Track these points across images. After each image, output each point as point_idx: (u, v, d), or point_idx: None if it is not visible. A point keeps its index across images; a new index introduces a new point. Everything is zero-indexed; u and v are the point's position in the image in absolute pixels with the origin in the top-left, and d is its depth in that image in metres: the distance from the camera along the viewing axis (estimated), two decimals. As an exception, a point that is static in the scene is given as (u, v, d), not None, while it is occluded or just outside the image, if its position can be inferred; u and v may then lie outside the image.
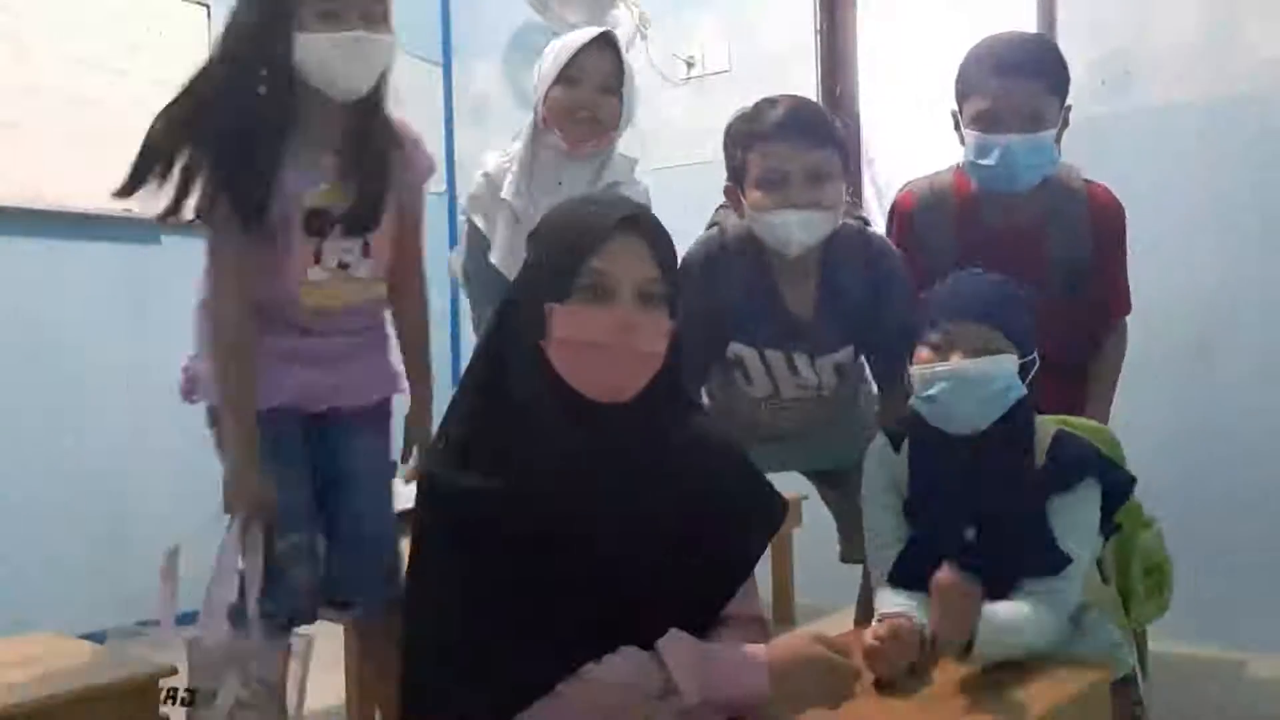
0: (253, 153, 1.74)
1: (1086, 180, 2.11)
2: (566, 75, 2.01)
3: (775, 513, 1.32)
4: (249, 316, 1.79)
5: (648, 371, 1.20)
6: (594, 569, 1.15)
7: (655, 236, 1.22)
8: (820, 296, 1.95)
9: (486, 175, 2.09)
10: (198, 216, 1.80)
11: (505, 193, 2.02)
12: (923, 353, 1.58)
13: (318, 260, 1.82)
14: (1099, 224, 2.07)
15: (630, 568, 1.17)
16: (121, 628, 1.85)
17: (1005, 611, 1.43)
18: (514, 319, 1.23)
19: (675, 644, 1.17)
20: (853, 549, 2.09)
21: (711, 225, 2.12)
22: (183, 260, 3.79)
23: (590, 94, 2.02)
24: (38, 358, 3.48)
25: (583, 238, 1.18)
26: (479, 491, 1.15)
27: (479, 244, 2.08)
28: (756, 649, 1.20)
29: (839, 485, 2.14)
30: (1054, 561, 1.49)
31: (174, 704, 1.72)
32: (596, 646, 1.14)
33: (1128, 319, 2.24)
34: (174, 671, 1.88)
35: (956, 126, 2.04)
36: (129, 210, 3.67)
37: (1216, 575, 2.85)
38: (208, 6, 3.87)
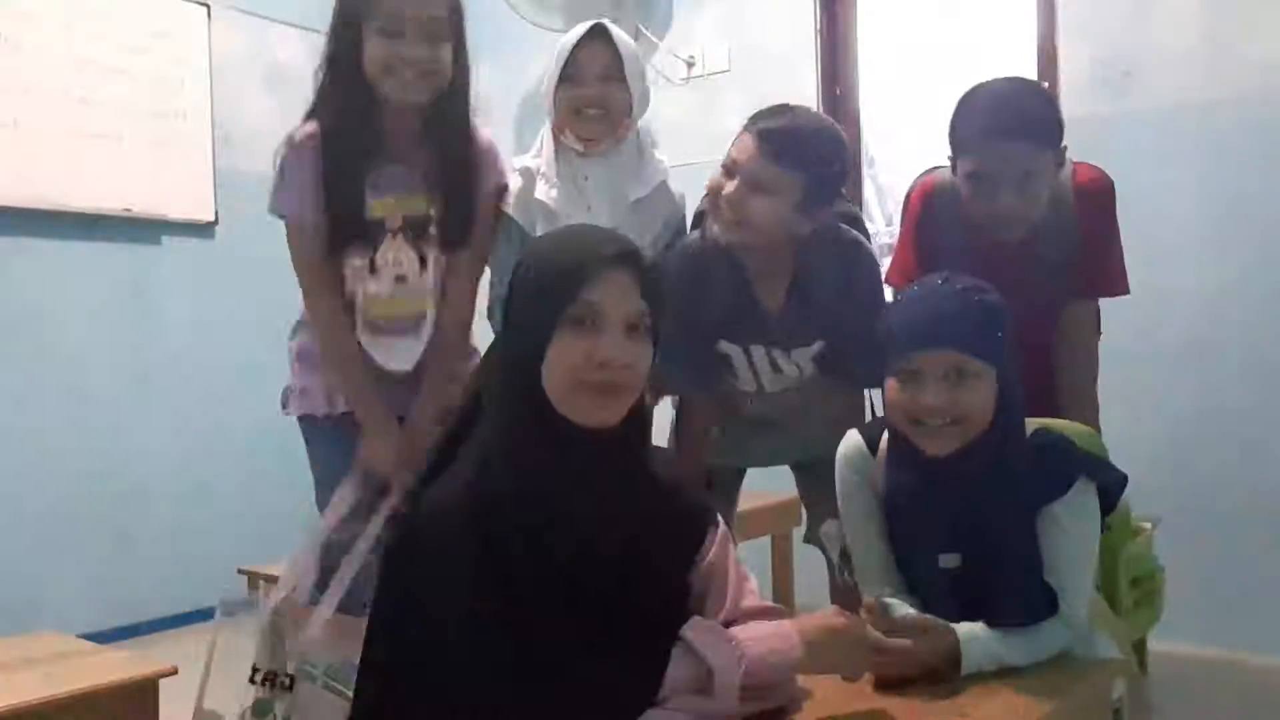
0: (344, 165, 1.83)
1: (1076, 164, 2.09)
2: (566, 75, 2.02)
3: (706, 524, 1.36)
4: (340, 310, 1.89)
5: (630, 401, 1.25)
6: (560, 587, 1.19)
7: (644, 271, 1.26)
8: (791, 292, 1.98)
9: (524, 169, 2.09)
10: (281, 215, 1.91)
11: (538, 193, 2.03)
12: (892, 384, 1.48)
13: (373, 271, 1.88)
14: (1081, 209, 2.05)
15: (591, 586, 1.21)
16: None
17: (985, 642, 1.39)
18: (509, 342, 1.27)
19: (707, 635, 1.22)
20: (815, 532, 2.09)
21: (697, 220, 2.14)
22: (183, 260, 3.84)
23: (593, 87, 2.02)
24: (39, 358, 3.49)
25: (576, 269, 1.21)
26: (459, 509, 1.18)
27: (515, 234, 2.07)
28: (783, 623, 1.27)
29: (812, 467, 2.14)
30: (1036, 603, 1.43)
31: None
32: (561, 663, 1.19)
33: (1121, 313, 2.19)
34: (174, 671, 1.89)
35: (954, 171, 2.04)
36: (129, 210, 3.70)
37: (1217, 575, 2.85)
38: (208, 6, 3.87)
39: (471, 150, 1.94)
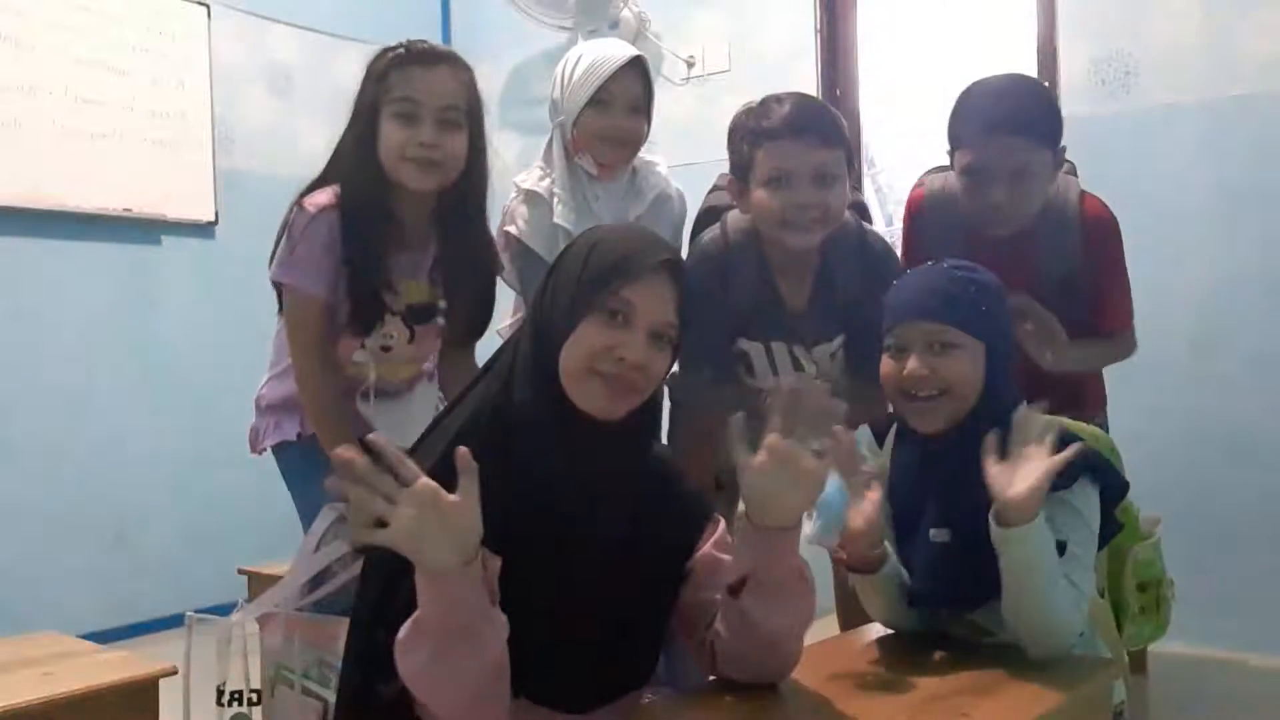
0: (368, 251, 1.82)
1: (1083, 191, 2.10)
2: (598, 99, 2.02)
3: (705, 516, 1.39)
4: (334, 382, 1.89)
5: (636, 402, 1.27)
6: (561, 562, 1.22)
7: (683, 286, 1.29)
8: (816, 289, 1.98)
9: (532, 194, 2.08)
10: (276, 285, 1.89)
11: (558, 217, 2.04)
12: (884, 360, 1.53)
13: (362, 344, 1.89)
14: (1090, 241, 2.06)
15: (584, 565, 1.23)
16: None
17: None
18: (539, 316, 1.29)
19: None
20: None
21: (707, 208, 2.15)
22: (183, 260, 3.84)
23: (622, 117, 2.04)
24: (39, 358, 3.49)
25: (623, 264, 1.24)
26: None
27: (532, 262, 2.07)
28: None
29: None
30: None
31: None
32: (559, 643, 1.22)
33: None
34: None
35: (952, 167, 2.05)
36: (129, 210, 3.70)
37: (1217, 575, 2.85)
38: (208, 6, 3.88)
39: (484, 243, 1.95)
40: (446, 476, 1.11)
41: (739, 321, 2.00)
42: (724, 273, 1.96)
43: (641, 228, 1.60)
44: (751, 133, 1.89)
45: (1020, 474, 1.37)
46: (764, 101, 1.91)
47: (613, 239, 1.30)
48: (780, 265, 1.96)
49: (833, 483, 1.31)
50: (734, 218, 2.00)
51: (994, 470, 1.39)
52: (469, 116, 1.84)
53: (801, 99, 1.91)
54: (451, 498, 1.08)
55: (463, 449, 1.10)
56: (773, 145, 1.85)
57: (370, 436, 1.10)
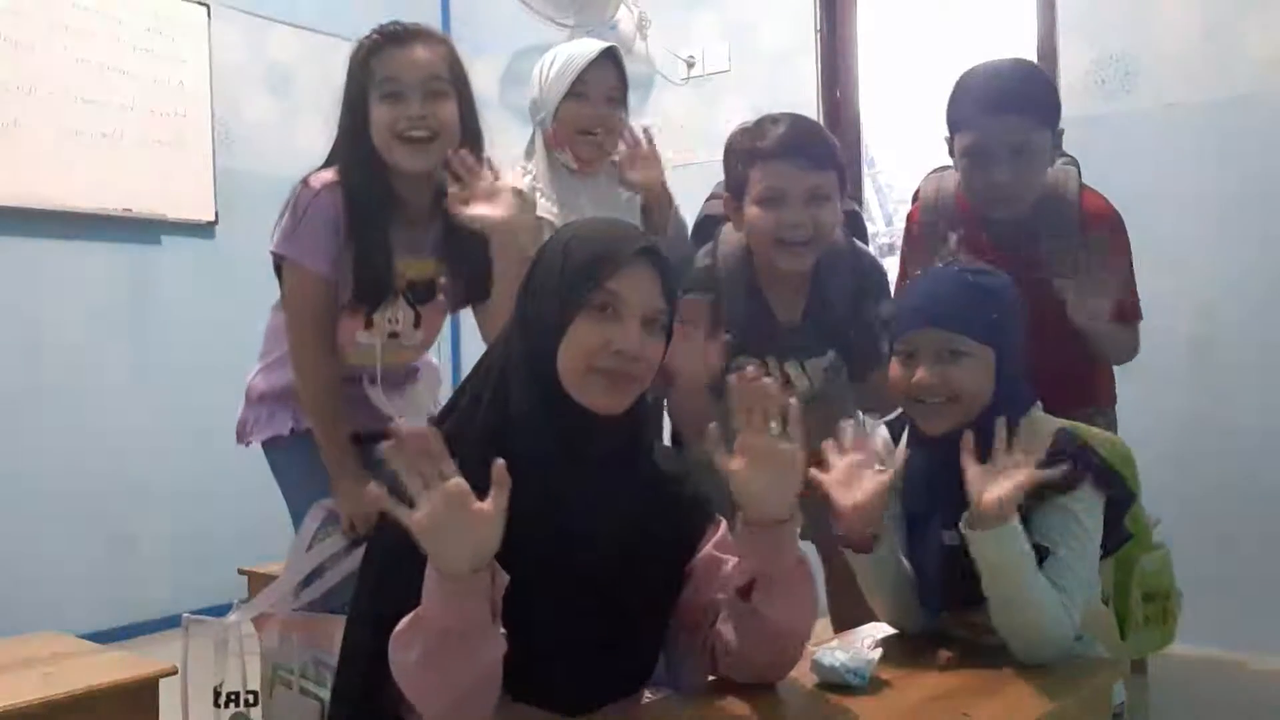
0: (372, 229, 1.82)
1: (1083, 185, 2.10)
2: (574, 91, 2.05)
3: (706, 517, 1.39)
4: (332, 365, 1.87)
5: (638, 392, 1.28)
6: (562, 563, 1.22)
7: (666, 270, 1.29)
8: (809, 305, 2.00)
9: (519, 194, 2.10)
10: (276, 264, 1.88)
11: (540, 210, 2.05)
12: (893, 364, 1.54)
13: (367, 326, 1.88)
14: (1088, 234, 2.05)
15: (594, 565, 1.24)
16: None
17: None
18: (527, 320, 1.29)
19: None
20: (809, 526, 2.09)
21: (705, 216, 2.17)
22: (183, 260, 3.84)
23: (599, 108, 2.07)
24: (38, 358, 3.48)
25: (602, 259, 1.24)
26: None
27: None
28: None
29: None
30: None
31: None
32: (560, 643, 1.23)
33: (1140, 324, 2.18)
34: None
35: (950, 153, 2.05)
36: (129, 210, 3.70)
37: (1217, 575, 2.85)
38: (208, 6, 3.87)
39: None
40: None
41: (734, 341, 1.99)
42: (715, 291, 1.97)
43: (613, 219, 1.62)
44: (747, 152, 1.91)
45: (999, 480, 1.38)
46: (760, 121, 1.94)
47: (587, 233, 1.31)
48: (771, 280, 1.98)
49: None
50: (726, 235, 2.02)
51: (972, 473, 1.40)
52: (454, 84, 1.85)
53: (797, 120, 1.93)
54: (480, 505, 1.10)
55: (500, 461, 1.11)
56: (766, 165, 1.87)
57: (424, 428, 1.12)
